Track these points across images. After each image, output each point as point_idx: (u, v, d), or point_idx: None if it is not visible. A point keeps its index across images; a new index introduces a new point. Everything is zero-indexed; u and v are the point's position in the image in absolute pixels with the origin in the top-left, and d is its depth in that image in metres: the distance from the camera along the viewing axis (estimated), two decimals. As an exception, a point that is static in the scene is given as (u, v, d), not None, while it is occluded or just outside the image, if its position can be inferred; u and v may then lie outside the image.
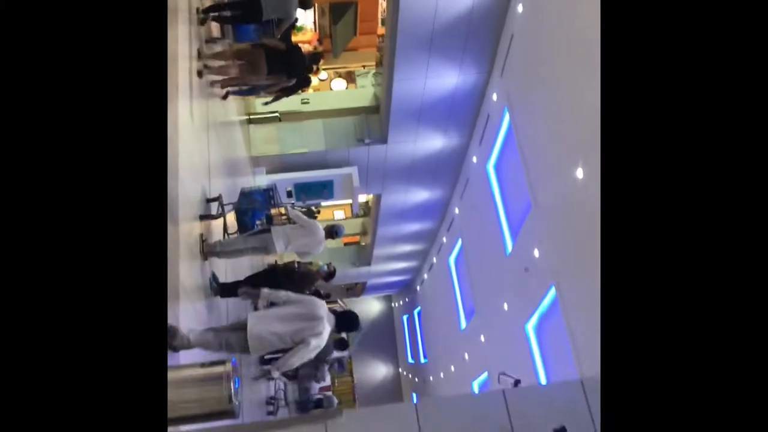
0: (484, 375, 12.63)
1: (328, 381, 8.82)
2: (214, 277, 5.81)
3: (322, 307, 4.27)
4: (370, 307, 26.00)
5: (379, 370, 27.30)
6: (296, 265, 6.87)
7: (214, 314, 5.87)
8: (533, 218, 8.80)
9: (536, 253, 8.73)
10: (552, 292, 8.42)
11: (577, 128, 6.93)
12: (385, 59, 10.33)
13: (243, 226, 6.18)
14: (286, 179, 11.92)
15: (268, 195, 6.66)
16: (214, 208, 6.02)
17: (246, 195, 6.53)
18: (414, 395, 23.19)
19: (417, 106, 10.65)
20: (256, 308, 4.60)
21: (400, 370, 26.55)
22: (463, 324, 14.25)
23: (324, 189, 12.13)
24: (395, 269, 19.51)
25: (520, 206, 9.55)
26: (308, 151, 11.81)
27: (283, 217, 6.74)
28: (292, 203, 12.14)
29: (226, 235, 6.03)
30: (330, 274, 7.12)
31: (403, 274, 20.37)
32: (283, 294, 4.28)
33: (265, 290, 4.34)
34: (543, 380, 9.15)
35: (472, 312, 13.20)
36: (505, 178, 10.53)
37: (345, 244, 19.86)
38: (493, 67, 9.79)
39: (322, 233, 5.88)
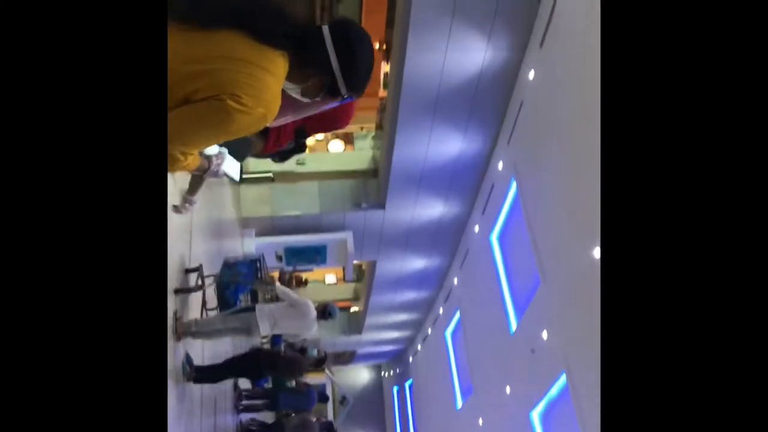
0: (482, 461, 11.67)
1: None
2: (188, 360, 5.08)
3: None
4: (358, 376, 24.87)
5: (365, 443, 25.94)
6: (282, 350, 6.18)
7: (185, 404, 5.10)
8: (542, 296, 8.14)
9: (544, 334, 8.03)
10: (562, 379, 7.67)
11: (593, 204, 6.37)
12: (387, 122, 9.88)
13: (224, 302, 5.45)
14: (276, 243, 11.26)
15: (255, 267, 5.94)
16: (193, 279, 5.34)
17: (229, 266, 5.79)
18: (402, 472, 21.86)
19: (418, 172, 10.13)
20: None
21: (387, 444, 25.22)
22: (459, 403, 13.34)
23: (317, 254, 11.46)
24: (387, 339, 18.63)
25: (526, 282, 8.90)
26: (302, 214, 11.20)
27: (272, 287, 5.96)
28: (282, 268, 11.42)
29: (204, 312, 5.32)
30: (320, 361, 6.40)
31: (395, 344, 19.48)
32: None
33: None
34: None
35: (470, 391, 12.33)
36: (510, 251, 9.92)
37: (335, 310, 19.05)
38: (500, 134, 9.33)
39: (314, 314, 5.20)
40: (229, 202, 9.95)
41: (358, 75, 1.48)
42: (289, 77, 1.46)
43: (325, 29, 1.45)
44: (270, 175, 11.18)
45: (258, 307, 5.10)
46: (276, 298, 5.24)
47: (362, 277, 15.76)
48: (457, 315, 13.16)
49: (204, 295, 5.28)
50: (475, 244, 11.40)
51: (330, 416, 16.19)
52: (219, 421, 6.49)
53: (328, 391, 16.41)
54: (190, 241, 5.75)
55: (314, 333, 5.33)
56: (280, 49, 1.41)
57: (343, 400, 18.32)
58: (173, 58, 1.21)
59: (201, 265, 5.40)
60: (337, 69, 1.43)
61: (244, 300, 5.53)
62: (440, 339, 14.79)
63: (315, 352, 6.59)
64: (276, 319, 4.99)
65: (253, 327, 4.91)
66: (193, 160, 1.54)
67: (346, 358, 20.79)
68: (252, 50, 1.36)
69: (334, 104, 1.61)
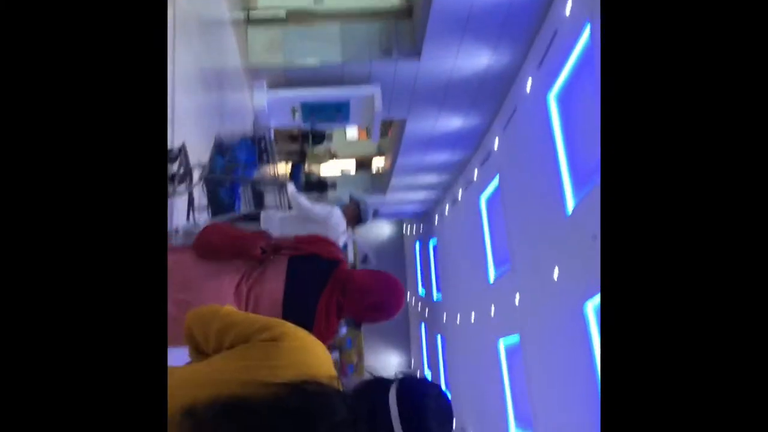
0: (515, 337, 10.87)
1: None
2: None
3: None
4: (378, 231, 24.21)
5: (385, 295, 25.92)
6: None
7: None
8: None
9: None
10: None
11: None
12: (428, -54, 7.75)
13: (217, 204, 3.88)
14: (291, 97, 9.57)
15: (259, 148, 4.31)
16: (178, 168, 3.84)
17: (223, 151, 4.08)
18: (423, 325, 21.84)
19: (464, 11, 8.14)
20: None
21: (408, 296, 25.17)
22: (492, 276, 12.34)
23: (338, 112, 9.80)
24: (412, 199, 17.43)
25: (593, 156, 7.30)
26: (320, 64, 9.38)
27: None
28: (299, 125, 9.77)
29: (191, 216, 3.81)
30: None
31: (421, 204, 18.32)
32: None
33: None
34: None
35: (506, 265, 11.24)
36: (573, 115, 8.19)
37: (358, 168, 17.72)
38: (574, -37, 7.24)
39: (341, 223, 3.78)
40: (232, 48, 8.17)
41: None
42: None
43: (392, 399, 1.14)
44: (282, 14, 9.23)
45: (264, 215, 3.68)
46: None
47: (387, 129, 14.10)
48: (496, 180, 11.72)
49: (191, 193, 3.74)
50: (525, 103, 9.63)
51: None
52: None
53: (349, 250, 15.57)
54: (173, 98, 4.13)
55: (343, 242, 3.95)
56: None
57: (365, 258, 17.57)
58: None
59: (184, 145, 3.86)
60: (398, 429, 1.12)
61: (245, 200, 3.99)
62: (473, 204, 13.51)
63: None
64: (286, 233, 3.61)
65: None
66: None
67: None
68: None
69: None
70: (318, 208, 3.73)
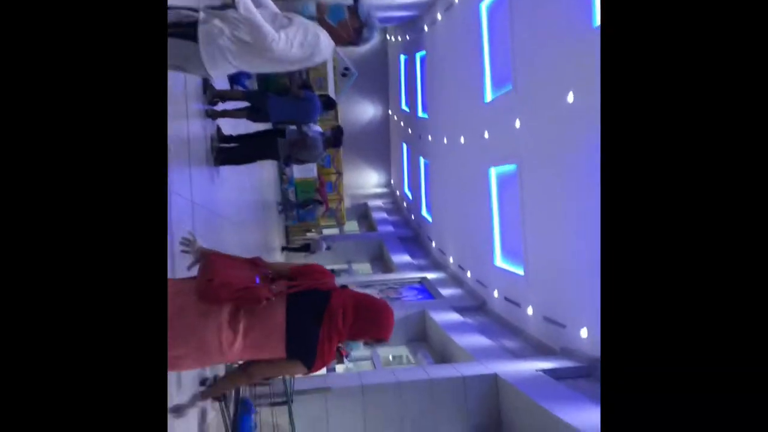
0: (512, 167, 9.84)
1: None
2: None
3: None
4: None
5: (366, 111, 24.54)
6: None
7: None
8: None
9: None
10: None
11: None
12: None
13: None
14: None
15: None
16: None
17: None
18: (404, 146, 20.83)
19: None
20: None
21: (390, 112, 23.81)
22: (489, 95, 10.96)
23: None
24: (399, 2, 15.32)
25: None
26: None
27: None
28: None
29: None
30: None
31: (408, 9, 16.21)
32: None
33: None
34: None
35: (507, 84, 9.83)
36: None
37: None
38: None
39: (327, 48, 2.48)
40: None
41: None
42: None
43: None
44: None
45: (203, 19, 2.33)
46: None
47: None
48: (500, -17, 9.87)
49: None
50: None
51: (331, 90, 13.89)
52: (178, 129, 4.19)
53: (329, 66, 13.87)
54: None
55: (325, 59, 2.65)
56: None
57: (346, 72, 15.88)
58: None
59: None
60: None
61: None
62: (472, 11, 11.67)
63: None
64: (233, 53, 2.39)
65: (191, 63, 2.48)
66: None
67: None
68: None
69: None
70: (278, 33, 2.39)
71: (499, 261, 10.73)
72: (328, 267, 19.02)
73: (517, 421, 6.65)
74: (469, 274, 12.61)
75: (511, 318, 9.89)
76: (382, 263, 17.59)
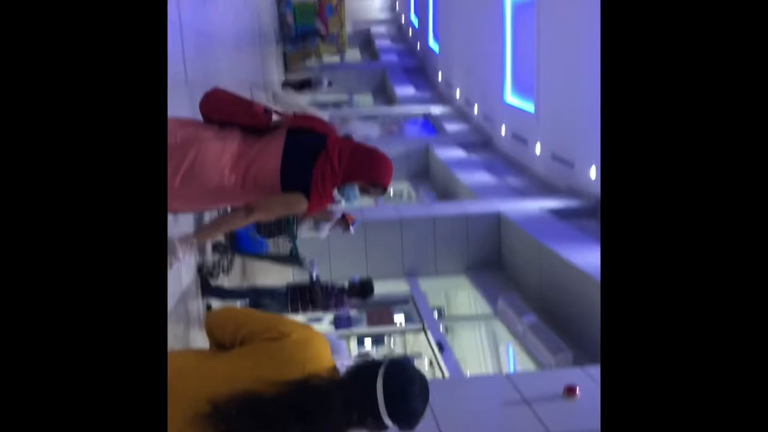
0: (528, -8, 9.02)
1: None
2: None
3: None
4: None
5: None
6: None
7: None
8: None
9: None
10: None
11: None
12: None
13: None
14: None
15: None
16: None
17: None
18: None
19: None
20: None
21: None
22: None
23: None
24: None
25: None
26: None
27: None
28: None
29: None
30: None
31: None
32: None
33: None
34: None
35: None
36: None
37: None
38: None
39: None
40: None
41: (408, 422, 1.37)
42: None
43: (379, 385, 1.33)
44: None
45: None
46: None
47: None
48: None
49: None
50: None
51: None
52: None
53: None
54: None
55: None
56: None
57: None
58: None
59: None
60: (384, 413, 1.32)
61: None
62: None
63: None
64: None
65: None
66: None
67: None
68: None
69: None
70: None
71: (509, 97, 10.27)
72: (328, 98, 18.67)
73: (517, 259, 6.69)
74: (476, 110, 12.19)
75: (518, 156, 9.67)
76: (384, 95, 17.04)
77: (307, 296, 4.64)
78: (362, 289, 4.73)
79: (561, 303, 5.52)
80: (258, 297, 4.69)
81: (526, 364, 5.23)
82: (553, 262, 5.72)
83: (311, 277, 4.69)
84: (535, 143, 8.89)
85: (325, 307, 4.77)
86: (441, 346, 5.00)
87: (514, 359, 6.69)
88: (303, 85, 14.48)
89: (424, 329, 5.63)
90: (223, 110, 2.28)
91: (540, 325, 4.99)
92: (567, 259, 5.47)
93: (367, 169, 2.29)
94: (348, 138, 2.41)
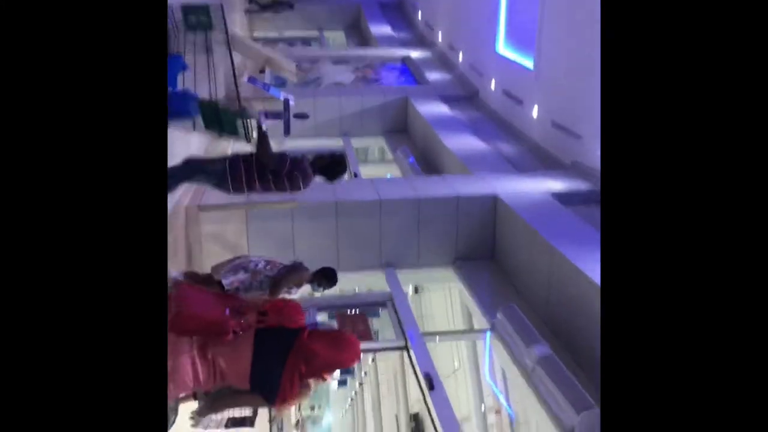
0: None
1: None
2: None
3: None
4: None
5: None
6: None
7: None
8: None
9: None
10: None
11: None
12: None
13: None
14: None
15: None
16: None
17: None
18: None
19: None
20: None
21: None
22: None
23: None
24: None
25: None
26: None
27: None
28: None
29: None
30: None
31: None
32: None
33: None
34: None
35: None
36: None
37: None
38: None
39: None
40: None
41: None
42: None
43: None
44: None
45: None
46: None
47: None
48: None
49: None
50: None
51: None
52: None
53: None
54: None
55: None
56: None
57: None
58: None
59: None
60: None
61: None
62: None
63: None
64: None
65: None
66: None
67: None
68: None
69: None
70: None
71: (502, 47, 9.00)
72: (296, 32, 17.10)
73: (515, 253, 5.67)
74: (461, 57, 10.89)
75: (510, 117, 8.52)
76: (358, 34, 15.49)
77: (253, 169, 3.52)
78: (330, 165, 3.63)
79: (575, 324, 4.53)
80: (190, 173, 3.55)
81: (529, 401, 4.24)
82: (564, 270, 4.71)
83: (260, 140, 3.44)
84: (532, 105, 7.74)
85: (278, 184, 3.49)
86: (431, 382, 3.99)
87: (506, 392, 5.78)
88: (268, 6, 13.28)
89: (407, 348, 4.59)
90: (192, 332, 2.47)
91: (555, 363, 3.95)
92: (581, 269, 4.47)
93: (335, 363, 2.55)
94: (314, 326, 2.73)
